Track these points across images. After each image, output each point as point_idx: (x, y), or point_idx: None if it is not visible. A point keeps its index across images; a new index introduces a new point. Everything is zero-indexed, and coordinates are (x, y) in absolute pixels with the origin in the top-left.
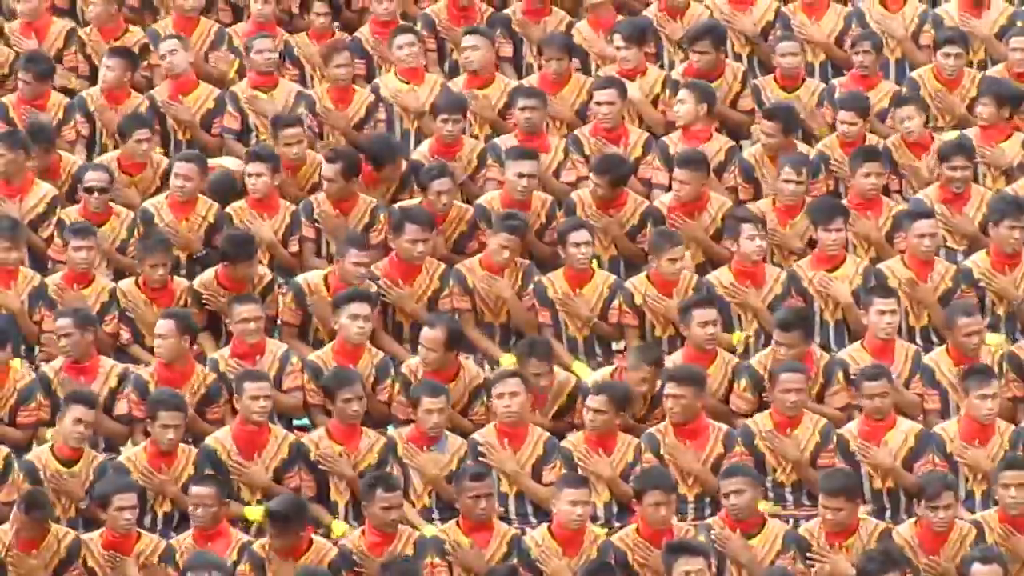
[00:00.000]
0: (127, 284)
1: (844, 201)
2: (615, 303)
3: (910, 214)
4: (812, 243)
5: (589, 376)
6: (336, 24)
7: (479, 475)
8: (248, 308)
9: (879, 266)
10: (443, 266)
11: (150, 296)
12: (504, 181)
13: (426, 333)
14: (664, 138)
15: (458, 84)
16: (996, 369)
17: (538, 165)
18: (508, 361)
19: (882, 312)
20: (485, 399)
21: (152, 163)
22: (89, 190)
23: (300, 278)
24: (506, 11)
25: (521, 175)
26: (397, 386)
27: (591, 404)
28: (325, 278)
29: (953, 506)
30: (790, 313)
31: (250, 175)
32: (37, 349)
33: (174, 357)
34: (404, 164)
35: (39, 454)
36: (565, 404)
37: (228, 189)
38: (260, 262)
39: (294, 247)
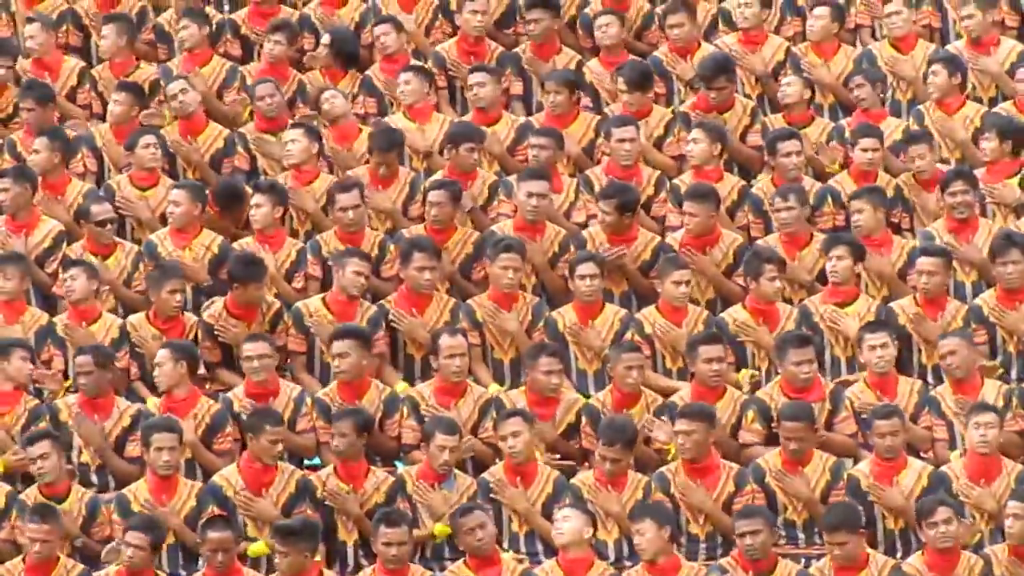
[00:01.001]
0: (137, 319)
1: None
2: (627, 335)
3: (921, 251)
4: (822, 277)
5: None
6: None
7: (468, 510)
8: (255, 346)
9: (890, 304)
10: (453, 300)
11: (161, 329)
12: (514, 213)
13: (447, 340)
14: (677, 180)
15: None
16: (1002, 403)
17: (548, 186)
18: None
19: (873, 347)
20: (494, 414)
21: (164, 182)
22: (101, 223)
23: (300, 303)
24: (516, 49)
25: (531, 194)
26: (406, 411)
27: (603, 452)
28: (324, 300)
29: (953, 520)
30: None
31: (251, 206)
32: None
33: (173, 384)
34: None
35: (28, 492)
36: (573, 422)
37: (232, 197)
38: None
39: (299, 284)
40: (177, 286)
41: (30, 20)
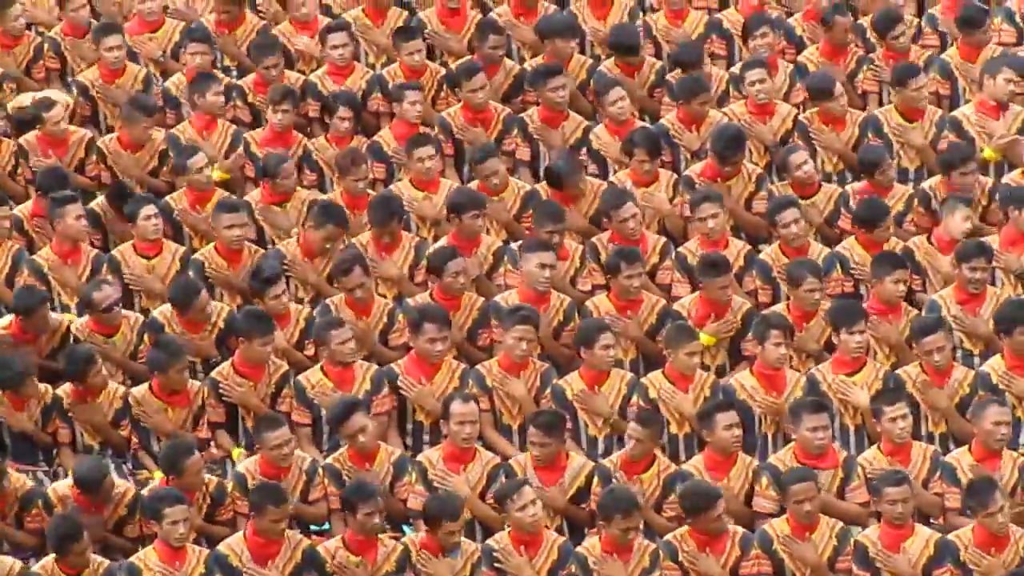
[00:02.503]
0: (140, 391)
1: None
2: (633, 400)
3: (920, 328)
4: (829, 346)
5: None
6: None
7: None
8: (279, 433)
9: (897, 371)
10: (462, 366)
11: (166, 400)
12: (520, 282)
13: (458, 407)
14: (682, 247)
15: (473, 188)
16: (1017, 476)
17: (555, 257)
18: (237, 453)
19: (894, 419)
20: (503, 477)
21: (169, 248)
22: (107, 309)
23: (300, 377)
24: (524, 114)
25: (543, 265)
26: (415, 476)
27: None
28: (322, 368)
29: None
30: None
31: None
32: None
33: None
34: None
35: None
36: (583, 486)
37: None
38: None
39: (310, 351)
40: (183, 365)
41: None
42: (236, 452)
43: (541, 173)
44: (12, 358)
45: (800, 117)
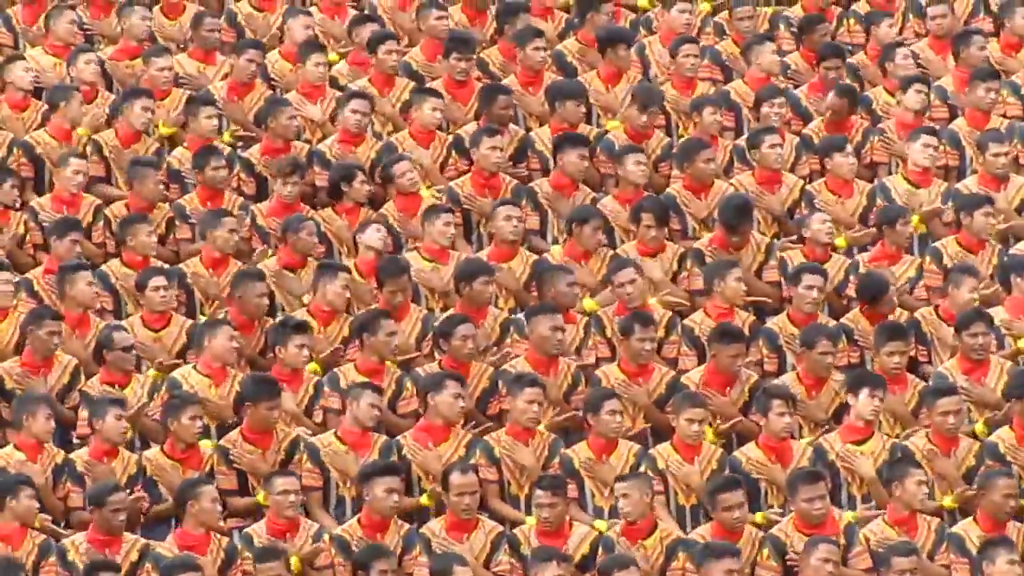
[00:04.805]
0: (153, 453)
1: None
2: (641, 469)
3: (934, 391)
4: (837, 416)
5: (606, 527)
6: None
7: None
8: (288, 480)
9: (904, 441)
10: (470, 435)
11: (178, 459)
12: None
13: (458, 479)
14: (688, 320)
15: (483, 256)
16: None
17: (563, 320)
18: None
19: (920, 483)
20: (506, 549)
21: (177, 321)
22: (127, 349)
23: (314, 439)
24: (532, 184)
25: (555, 328)
26: (420, 547)
27: None
28: (336, 434)
29: None
30: None
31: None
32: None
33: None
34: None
35: None
36: (587, 554)
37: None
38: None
39: (318, 417)
40: (195, 412)
41: None
42: (260, 497)
43: (549, 242)
44: None
45: (807, 187)
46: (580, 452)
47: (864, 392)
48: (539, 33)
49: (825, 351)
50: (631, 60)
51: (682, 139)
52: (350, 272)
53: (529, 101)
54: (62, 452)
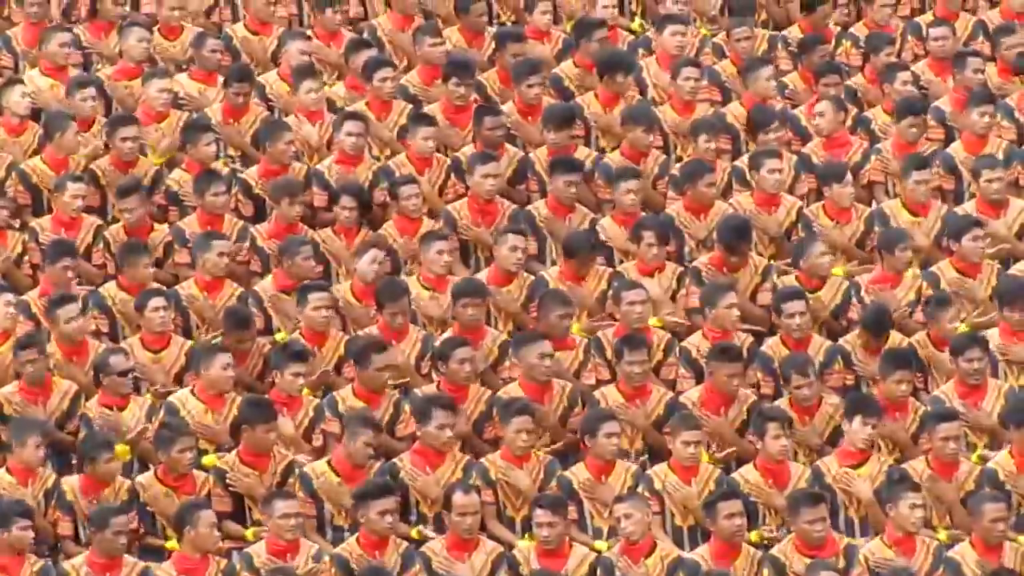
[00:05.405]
0: (147, 478)
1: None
2: (639, 490)
3: (935, 416)
4: (833, 441)
5: (606, 547)
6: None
7: None
8: (289, 504)
9: (902, 465)
10: (467, 458)
11: (172, 486)
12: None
13: (460, 499)
14: (685, 342)
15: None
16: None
17: (552, 347)
18: (251, 534)
19: (914, 506)
20: (507, 569)
21: (176, 342)
22: (123, 373)
23: (307, 467)
24: (530, 207)
25: (543, 355)
26: (419, 566)
27: None
28: (329, 463)
29: None
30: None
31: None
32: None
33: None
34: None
35: None
36: (587, 574)
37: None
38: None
39: (318, 441)
40: (187, 445)
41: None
42: (250, 533)
43: (548, 265)
44: None
45: (805, 210)
46: (578, 473)
47: (857, 420)
48: (535, 68)
49: (799, 385)
50: (629, 85)
51: (680, 160)
52: (328, 290)
53: (528, 130)
54: (53, 476)
